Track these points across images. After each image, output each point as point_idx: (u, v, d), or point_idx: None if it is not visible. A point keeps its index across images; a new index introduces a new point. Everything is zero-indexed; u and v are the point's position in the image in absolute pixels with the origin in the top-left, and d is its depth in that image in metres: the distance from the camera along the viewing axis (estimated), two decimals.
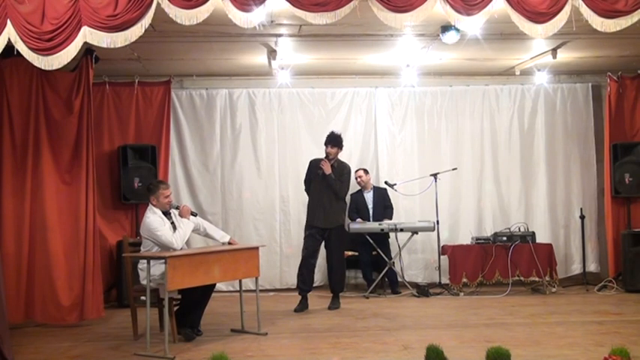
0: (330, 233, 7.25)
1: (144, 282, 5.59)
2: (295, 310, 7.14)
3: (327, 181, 7.21)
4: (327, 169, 7.21)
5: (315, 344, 5.59)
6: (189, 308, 5.86)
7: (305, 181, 7.57)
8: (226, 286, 8.20)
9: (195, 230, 6.11)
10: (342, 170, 7.35)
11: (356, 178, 8.55)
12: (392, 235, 8.31)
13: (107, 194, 8.07)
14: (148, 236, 5.72)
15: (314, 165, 7.41)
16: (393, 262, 8.21)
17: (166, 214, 5.87)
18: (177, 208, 6.01)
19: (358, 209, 8.48)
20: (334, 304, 7.33)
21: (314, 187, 7.36)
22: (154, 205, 5.84)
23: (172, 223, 5.85)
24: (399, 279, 8.32)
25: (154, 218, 5.74)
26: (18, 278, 6.40)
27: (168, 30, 6.10)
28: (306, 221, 7.38)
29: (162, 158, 8.23)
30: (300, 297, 7.28)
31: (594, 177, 9.10)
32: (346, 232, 7.60)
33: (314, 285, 7.59)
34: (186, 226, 5.89)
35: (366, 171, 8.62)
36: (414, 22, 5.43)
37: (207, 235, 6.31)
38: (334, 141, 7.30)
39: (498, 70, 8.88)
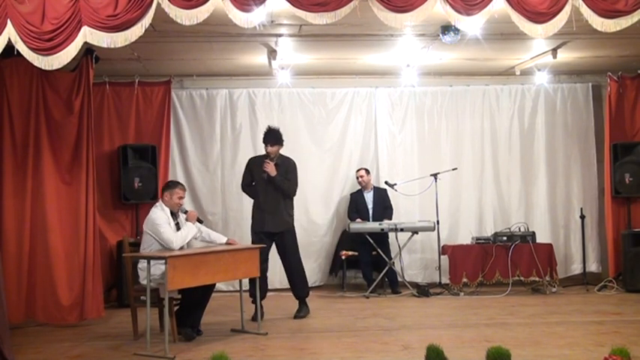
0: (281, 237, 6.68)
1: (144, 282, 5.59)
2: (253, 319, 6.40)
3: (274, 184, 6.61)
4: (272, 170, 6.56)
5: (315, 344, 5.60)
6: (190, 308, 5.87)
7: (244, 185, 6.89)
8: (226, 286, 8.20)
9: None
10: (287, 167, 6.70)
11: (357, 178, 8.57)
12: (392, 235, 8.30)
13: (107, 194, 8.07)
14: (151, 230, 5.75)
15: (254, 165, 6.76)
16: (393, 262, 8.21)
17: (173, 215, 5.93)
18: (185, 212, 6.06)
19: (358, 209, 8.48)
20: (301, 312, 6.77)
21: (260, 190, 6.70)
22: (165, 202, 5.89)
23: (177, 224, 5.92)
24: (399, 279, 8.31)
25: (160, 214, 5.80)
26: (18, 278, 6.40)
27: (168, 30, 6.10)
28: (253, 226, 6.76)
29: (162, 158, 8.22)
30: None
31: (594, 177, 9.09)
32: (295, 232, 6.85)
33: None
34: (189, 228, 5.94)
35: (367, 171, 8.61)
36: (414, 22, 5.43)
37: (204, 240, 6.32)
38: (274, 138, 6.65)
39: (498, 70, 8.87)
